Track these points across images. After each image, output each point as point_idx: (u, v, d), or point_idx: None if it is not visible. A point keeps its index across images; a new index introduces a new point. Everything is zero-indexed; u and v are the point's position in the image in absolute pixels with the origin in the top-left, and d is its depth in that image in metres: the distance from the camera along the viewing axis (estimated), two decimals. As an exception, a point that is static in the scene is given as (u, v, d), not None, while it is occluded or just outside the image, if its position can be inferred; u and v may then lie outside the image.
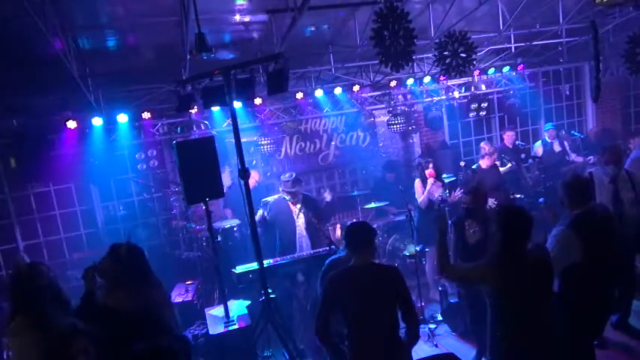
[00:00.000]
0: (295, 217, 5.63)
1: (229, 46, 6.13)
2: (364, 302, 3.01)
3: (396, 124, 8.00)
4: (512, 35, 7.56)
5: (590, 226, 3.44)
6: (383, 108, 8.47)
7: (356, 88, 7.67)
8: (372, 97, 8.39)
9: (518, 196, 6.58)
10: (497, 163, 6.96)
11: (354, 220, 4.70)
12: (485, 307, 3.13)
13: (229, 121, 6.09)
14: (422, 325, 5.26)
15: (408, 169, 8.82)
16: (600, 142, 8.16)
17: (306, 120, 8.30)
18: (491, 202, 5.85)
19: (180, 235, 7.22)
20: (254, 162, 8.02)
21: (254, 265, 4.80)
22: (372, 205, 7.08)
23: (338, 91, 7.70)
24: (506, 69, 8.50)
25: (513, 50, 7.84)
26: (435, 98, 8.67)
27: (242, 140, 4.42)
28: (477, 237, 4.46)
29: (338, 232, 6.03)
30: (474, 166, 6.94)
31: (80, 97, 6.04)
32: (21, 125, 6.52)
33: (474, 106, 8.61)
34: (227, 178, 7.03)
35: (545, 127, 8.83)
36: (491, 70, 8.43)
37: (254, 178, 7.00)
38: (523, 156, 8.18)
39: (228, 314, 4.73)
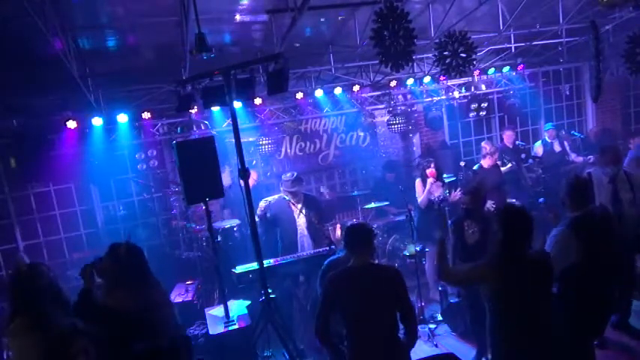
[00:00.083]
0: (296, 217, 5.63)
1: (229, 46, 6.13)
2: (364, 302, 3.02)
3: (396, 124, 8.00)
4: (512, 35, 7.56)
5: (589, 227, 3.44)
6: (383, 108, 8.46)
7: (356, 88, 7.67)
8: (372, 97, 8.39)
9: (514, 200, 6.58)
10: (499, 163, 6.96)
11: (354, 221, 4.70)
12: (484, 307, 3.13)
13: (229, 121, 6.09)
14: (422, 325, 5.27)
15: (408, 169, 8.82)
16: (600, 142, 8.16)
17: (306, 120, 8.30)
18: (490, 204, 5.86)
19: (180, 235, 7.22)
20: (254, 162, 8.02)
21: (254, 265, 4.80)
22: (372, 205, 7.08)
23: (338, 91, 7.70)
24: (506, 69, 8.50)
25: (513, 50, 7.84)
26: (435, 98, 8.67)
27: (242, 140, 4.42)
28: (475, 237, 4.46)
29: (338, 232, 6.02)
30: (475, 166, 6.94)
31: (80, 97, 6.04)
32: (21, 125, 6.53)
33: (473, 106, 8.61)
34: (227, 178, 7.03)
35: (546, 127, 8.83)
36: (491, 70, 8.43)
37: (252, 177, 7.00)
38: (523, 156, 8.18)
39: (228, 314, 4.73)
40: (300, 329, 5.19)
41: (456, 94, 8.77)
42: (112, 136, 7.11)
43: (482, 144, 6.99)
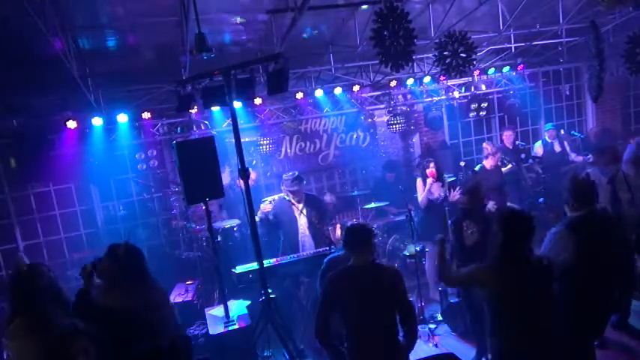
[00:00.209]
0: (297, 217, 5.63)
1: (229, 46, 6.13)
2: (363, 303, 3.01)
3: (396, 124, 8.00)
4: (512, 35, 7.55)
5: (589, 227, 3.44)
6: (383, 108, 8.46)
7: (356, 88, 7.67)
8: (372, 97, 8.39)
9: (514, 206, 6.59)
10: (499, 164, 6.97)
11: (354, 221, 4.70)
12: (485, 308, 3.13)
13: (229, 121, 6.09)
14: (422, 325, 5.27)
15: (408, 169, 8.82)
16: (600, 142, 8.17)
17: (306, 120, 8.30)
18: (492, 204, 5.87)
19: (180, 235, 7.22)
20: (254, 162, 8.03)
21: (254, 265, 4.80)
22: (372, 205, 7.08)
23: (338, 91, 7.70)
24: (506, 69, 8.50)
25: (513, 50, 7.84)
26: (435, 98, 8.66)
27: (242, 140, 4.43)
28: (474, 238, 4.45)
29: (338, 232, 6.02)
30: (477, 167, 6.94)
31: (80, 97, 6.04)
32: (21, 125, 6.53)
33: (473, 106, 8.61)
34: (227, 178, 7.04)
35: (546, 127, 8.83)
36: (491, 70, 8.43)
37: (251, 177, 6.99)
38: (523, 156, 8.18)
39: (228, 314, 4.73)
40: (300, 329, 5.19)
41: (456, 94, 8.77)
42: (112, 136, 7.11)
43: (484, 145, 7.00)
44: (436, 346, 5.09)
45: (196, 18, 3.97)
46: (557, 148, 8.49)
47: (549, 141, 8.52)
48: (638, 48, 6.29)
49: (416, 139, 9.16)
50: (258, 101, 7.21)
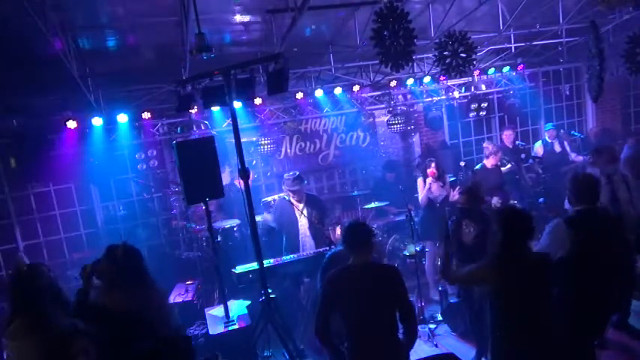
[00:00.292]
0: (298, 218, 5.64)
1: (229, 46, 6.13)
2: (363, 302, 3.01)
3: (396, 124, 8.00)
4: (512, 35, 7.55)
5: (587, 223, 3.45)
6: (383, 108, 8.46)
7: (356, 88, 7.67)
8: (372, 97, 8.39)
9: (514, 202, 6.61)
10: (498, 163, 6.98)
11: (353, 219, 4.70)
12: (484, 307, 3.13)
13: (229, 121, 6.09)
14: (422, 325, 5.27)
15: (408, 169, 8.83)
16: (600, 142, 8.16)
17: (306, 120, 8.30)
18: (496, 200, 5.87)
19: (180, 235, 7.22)
20: (254, 162, 8.03)
21: (254, 265, 4.81)
22: (372, 205, 7.08)
23: (338, 91, 7.69)
24: (506, 69, 8.50)
25: (513, 50, 7.84)
26: (435, 98, 8.66)
27: (242, 140, 4.43)
28: (472, 237, 4.46)
29: (338, 231, 6.04)
30: (477, 166, 6.95)
31: (80, 97, 6.04)
32: (21, 125, 6.53)
33: (474, 106, 8.61)
34: (227, 178, 7.04)
35: (546, 127, 8.82)
36: (491, 70, 8.43)
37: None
38: (523, 156, 8.18)
39: (228, 314, 4.74)
40: (300, 329, 5.19)
41: (456, 94, 8.76)
42: (112, 136, 7.11)
43: (485, 144, 7.01)
44: (436, 346, 5.09)
45: (196, 18, 3.97)
46: (558, 148, 8.49)
47: (549, 141, 8.52)
48: (638, 48, 6.29)
49: (416, 139, 9.16)
50: (258, 101, 7.21)
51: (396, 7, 4.47)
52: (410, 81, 8.07)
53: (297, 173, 5.67)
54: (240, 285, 5.03)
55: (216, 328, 4.61)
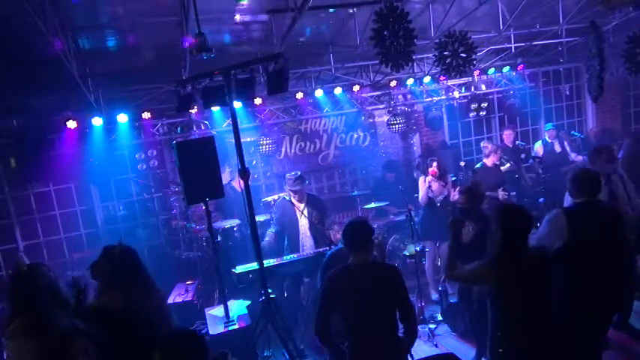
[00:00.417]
0: (299, 218, 5.64)
1: (229, 46, 6.13)
2: (363, 302, 3.01)
3: (396, 124, 8.00)
4: (512, 35, 7.55)
5: (586, 216, 3.45)
6: (383, 108, 8.47)
7: (356, 88, 7.67)
8: (372, 97, 8.39)
9: (513, 193, 6.64)
10: (497, 163, 6.99)
11: (353, 218, 4.70)
12: (486, 307, 3.13)
13: (229, 121, 6.09)
14: (422, 325, 5.27)
15: (408, 169, 8.82)
16: (600, 142, 8.15)
17: (306, 120, 8.30)
18: (502, 194, 5.89)
19: (180, 235, 7.22)
20: (254, 162, 8.03)
21: (254, 265, 4.81)
22: (372, 205, 7.08)
23: (338, 91, 7.70)
24: (506, 69, 8.50)
25: (513, 50, 7.84)
26: (435, 98, 8.67)
27: (242, 140, 4.43)
28: (471, 236, 4.46)
29: (338, 234, 6.03)
30: (478, 165, 6.96)
31: (80, 97, 6.04)
32: (21, 125, 6.52)
33: (473, 106, 8.61)
34: (227, 178, 7.04)
35: (546, 127, 8.82)
36: (491, 70, 8.43)
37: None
38: (523, 156, 8.18)
39: (228, 314, 4.73)
40: (300, 329, 5.19)
41: (456, 94, 8.77)
42: (112, 136, 7.11)
43: (483, 144, 7.02)
44: (436, 346, 5.09)
45: (196, 18, 3.97)
46: (558, 148, 8.48)
47: (549, 141, 8.52)
48: (638, 48, 6.29)
49: (416, 139, 9.16)
50: (258, 101, 7.21)
51: (396, 7, 4.47)
52: (410, 81, 8.07)
53: (299, 173, 5.68)
54: (240, 285, 5.03)
55: (216, 328, 4.61)
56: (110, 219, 7.67)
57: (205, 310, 5.17)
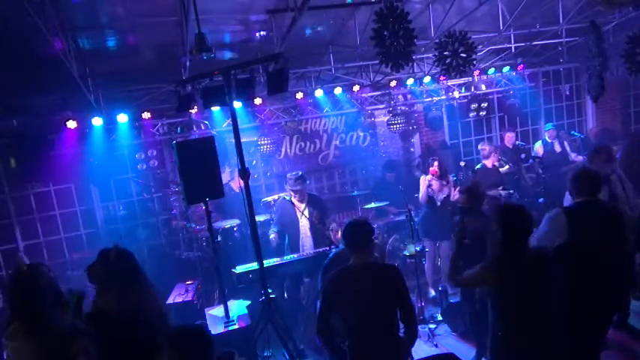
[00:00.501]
0: (299, 218, 5.64)
1: (229, 47, 6.13)
2: (363, 303, 3.01)
3: (396, 124, 8.00)
4: (512, 35, 7.55)
5: (586, 215, 3.45)
6: (383, 108, 8.46)
7: (356, 88, 7.67)
8: (372, 97, 8.39)
9: (511, 191, 6.64)
10: (497, 164, 6.99)
11: (354, 218, 4.69)
12: (486, 307, 3.13)
13: (229, 121, 6.09)
14: (422, 325, 5.27)
15: (408, 169, 8.83)
16: (600, 142, 8.16)
17: (306, 120, 8.30)
18: (505, 193, 5.89)
19: (180, 235, 7.22)
20: (254, 162, 8.04)
21: (254, 265, 4.81)
22: (372, 205, 7.08)
23: (338, 91, 7.69)
24: (506, 69, 8.50)
25: (513, 50, 7.83)
26: (435, 98, 8.67)
27: (242, 140, 4.43)
28: (472, 236, 4.45)
29: (339, 234, 6.03)
30: (478, 166, 6.96)
31: (80, 97, 6.04)
32: (21, 125, 6.52)
33: (473, 106, 8.61)
34: (227, 178, 7.04)
35: (546, 128, 8.83)
36: (491, 70, 8.43)
37: (235, 180, 7.02)
38: (523, 156, 8.18)
39: (228, 314, 4.73)
40: (300, 329, 5.19)
41: (456, 94, 8.77)
42: (112, 136, 7.11)
43: (480, 146, 7.04)
44: (436, 346, 5.09)
45: (196, 18, 3.97)
46: (558, 148, 8.49)
47: (549, 141, 8.52)
48: (638, 48, 6.28)
49: (416, 139, 9.16)
50: (258, 101, 7.21)
51: (396, 7, 4.47)
52: (410, 81, 8.07)
53: (300, 173, 5.69)
54: (240, 285, 5.03)
55: (216, 328, 4.61)
56: (110, 219, 7.67)
57: (205, 310, 5.18)
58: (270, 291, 4.50)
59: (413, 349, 3.25)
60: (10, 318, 2.72)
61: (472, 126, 9.61)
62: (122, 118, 6.79)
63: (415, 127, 8.79)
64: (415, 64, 7.70)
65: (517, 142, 8.52)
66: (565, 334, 3.17)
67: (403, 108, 8.49)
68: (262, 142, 7.62)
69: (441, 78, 8.16)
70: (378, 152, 8.90)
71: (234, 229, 6.69)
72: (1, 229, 7.10)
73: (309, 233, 5.65)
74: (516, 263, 2.94)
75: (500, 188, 6.36)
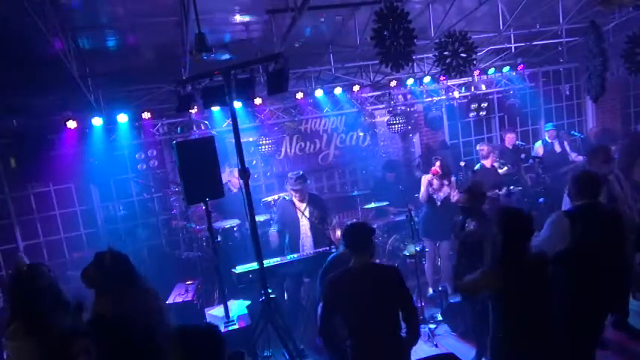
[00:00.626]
0: (299, 218, 5.64)
1: (229, 47, 6.13)
2: (365, 305, 3.01)
3: (396, 124, 8.00)
4: (512, 35, 7.55)
5: (587, 217, 3.45)
6: (383, 108, 8.46)
7: (356, 88, 7.67)
8: (372, 97, 8.39)
9: (512, 187, 6.64)
10: (496, 164, 6.99)
11: (354, 221, 4.70)
12: (487, 308, 3.13)
13: (229, 121, 6.09)
14: (422, 325, 5.26)
15: (408, 169, 8.82)
16: (600, 142, 8.15)
17: (306, 120, 8.30)
18: (505, 191, 5.90)
19: (180, 235, 7.22)
20: (254, 162, 8.04)
21: (254, 265, 4.81)
22: (372, 205, 7.08)
23: (338, 91, 7.69)
24: (506, 69, 8.50)
25: (513, 50, 7.84)
26: (435, 98, 8.67)
27: (242, 140, 4.43)
28: (473, 235, 4.46)
29: (338, 232, 6.04)
30: (476, 167, 6.95)
31: (80, 97, 6.04)
32: (21, 125, 6.53)
33: (474, 106, 8.61)
34: (227, 178, 7.04)
35: (546, 128, 8.82)
36: (491, 70, 8.43)
37: (233, 182, 7.02)
38: (523, 156, 8.17)
39: (228, 314, 4.74)
40: (300, 329, 5.19)
41: (456, 94, 8.77)
42: (112, 136, 7.12)
43: (478, 147, 7.05)
44: (436, 346, 5.09)
45: (196, 18, 3.97)
46: (558, 148, 8.48)
47: (549, 141, 8.52)
48: (638, 48, 6.28)
49: (416, 139, 9.16)
50: (258, 101, 7.22)
51: (396, 7, 4.47)
52: (410, 81, 8.07)
53: (301, 173, 5.69)
54: (240, 285, 5.03)
55: (216, 328, 4.60)
56: (110, 219, 7.67)
57: (205, 310, 5.18)
58: (270, 291, 4.50)
59: (413, 349, 3.25)
60: (10, 318, 2.72)
61: (472, 126, 9.61)
62: (122, 118, 6.79)
63: (415, 127, 8.79)
64: (415, 64, 7.70)
65: (517, 142, 8.51)
66: (565, 336, 3.17)
67: (403, 108, 8.49)
68: (262, 142, 7.62)
69: (441, 78, 8.16)
70: (378, 152, 8.90)
71: (234, 229, 6.69)
72: (1, 229, 7.10)
73: (309, 233, 5.65)
74: (517, 265, 2.94)
75: (503, 190, 6.33)
